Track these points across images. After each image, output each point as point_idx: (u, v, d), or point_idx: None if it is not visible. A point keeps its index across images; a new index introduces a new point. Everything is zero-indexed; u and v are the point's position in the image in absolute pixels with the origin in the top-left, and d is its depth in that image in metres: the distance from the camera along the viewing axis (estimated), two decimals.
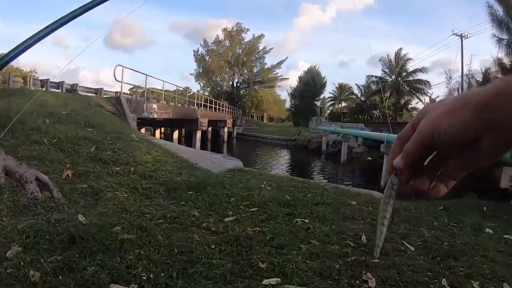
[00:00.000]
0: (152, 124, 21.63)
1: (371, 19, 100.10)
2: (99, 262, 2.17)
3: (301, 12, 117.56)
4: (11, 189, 3.36)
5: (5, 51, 1.25)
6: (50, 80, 12.64)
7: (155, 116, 14.37)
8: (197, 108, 23.42)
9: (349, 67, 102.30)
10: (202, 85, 50.38)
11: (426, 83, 37.10)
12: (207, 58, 48.42)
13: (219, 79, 50.03)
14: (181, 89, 26.41)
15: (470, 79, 29.92)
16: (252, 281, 2.17)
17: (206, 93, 44.79)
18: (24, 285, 1.89)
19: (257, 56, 48.76)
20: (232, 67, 48.60)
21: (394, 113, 39.28)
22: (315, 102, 45.31)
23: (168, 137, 22.86)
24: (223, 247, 2.59)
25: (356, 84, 46.70)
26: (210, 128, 27.02)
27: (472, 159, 0.39)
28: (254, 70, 49.36)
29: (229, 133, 33.01)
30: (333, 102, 51.20)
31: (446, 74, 31.51)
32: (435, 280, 2.47)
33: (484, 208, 5.26)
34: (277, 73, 50.57)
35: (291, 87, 49.22)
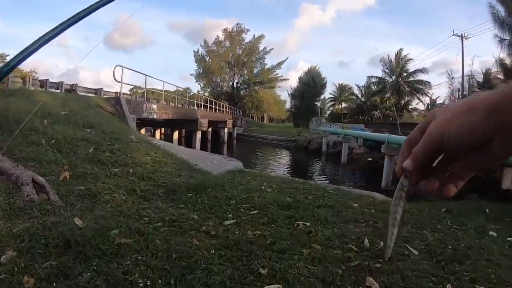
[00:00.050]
0: (152, 124, 21.61)
1: (371, 19, 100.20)
2: (94, 267, 2.10)
3: (301, 12, 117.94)
4: (7, 191, 3.31)
5: (5, 51, 1.20)
6: (52, 81, 12.63)
7: (155, 116, 14.32)
8: (197, 108, 23.39)
9: (349, 67, 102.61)
10: (202, 85, 50.51)
11: (426, 83, 37.11)
12: (207, 58, 48.44)
13: (219, 80, 50.04)
14: (181, 89, 26.41)
15: (471, 79, 29.90)
16: None
17: (206, 94, 44.79)
18: None
19: (257, 56, 48.82)
20: (232, 67, 48.60)
21: (394, 113, 39.23)
22: (315, 103, 45.23)
23: (168, 137, 22.83)
24: (223, 251, 2.52)
25: (357, 85, 46.74)
26: (210, 129, 26.98)
27: (480, 161, 0.41)
28: (254, 71, 49.39)
29: (229, 134, 32.97)
30: (333, 102, 51.15)
31: (448, 74, 31.43)
32: (439, 286, 2.41)
33: (487, 210, 5.21)
34: (277, 73, 50.68)
35: (291, 88, 49.26)
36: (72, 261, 2.14)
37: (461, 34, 28.18)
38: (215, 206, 3.73)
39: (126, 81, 21.73)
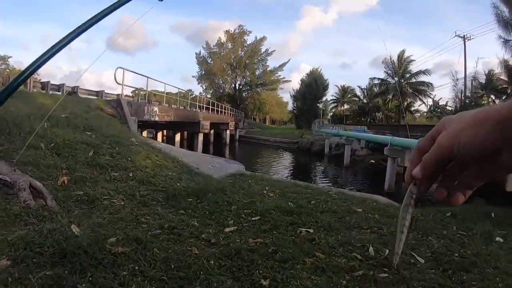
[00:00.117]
0: (154, 126, 21.57)
1: (373, 21, 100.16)
2: (90, 278, 2.03)
3: (303, 14, 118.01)
4: (4, 196, 3.25)
5: (5, 52, 1.15)
6: (54, 83, 12.60)
7: (157, 119, 14.27)
8: (199, 110, 23.35)
9: (351, 69, 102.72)
10: (204, 87, 50.58)
11: (429, 85, 36.94)
12: (209, 60, 48.49)
13: (221, 82, 50.09)
14: (183, 91, 26.37)
15: (474, 81, 29.74)
16: None
17: (209, 96, 44.79)
18: None
19: (259, 58, 48.85)
20: (235, 69, 48.63)
21: (396, 115, 39.10)
22: (318, 105, 45.09)
23: (170, 140, 22.83)
24: (223, 261, 2.44)
25: (359, 86, 46.65)
26: (212, 131, 26.98)
27: (489, 171, 0.42)
28: (256, 73, 49.42)
29: (232, 136, 32.87)
30: (335, 104, 51.06)
31: (453, 75, 31.13)
32: None
33: (492, 214, 5.13)
34: (280, 75, 50.72)
35: (293, 90, 49.08)
36: (67, 272, 2.07)
37: (464, 35, 28.07)
38: (216, 212, 3.65)
39: (129, 83, 21.77)
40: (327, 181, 15.17)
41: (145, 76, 14.36)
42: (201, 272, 2.22)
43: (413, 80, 37.53)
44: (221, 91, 49.97)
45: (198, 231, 3.02)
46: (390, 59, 37.16)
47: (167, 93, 17.99)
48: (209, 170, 6.42)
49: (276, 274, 2.32)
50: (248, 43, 48.25)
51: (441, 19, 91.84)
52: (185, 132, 25.32)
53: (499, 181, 9.02)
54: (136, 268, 2.19)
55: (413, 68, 37.69)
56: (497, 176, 0.42)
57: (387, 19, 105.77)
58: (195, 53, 49.66)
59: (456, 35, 28.65)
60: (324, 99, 48.12)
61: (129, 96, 25.23)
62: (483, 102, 30.10)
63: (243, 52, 48.21)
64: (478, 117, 0.38)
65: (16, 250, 2.29)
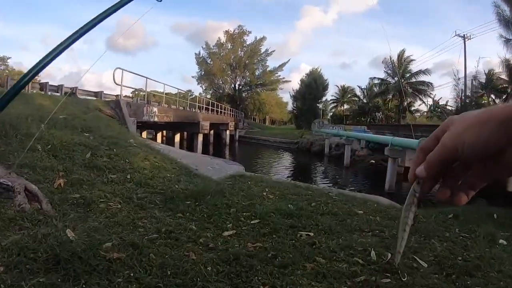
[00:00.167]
0: (154, 127, 21.51)
1: (373, 21, 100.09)
2: (84, 285, 1.97)
3: (303, 14, 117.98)
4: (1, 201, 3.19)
5: (5, 52, 1.11)
6: (52, 84, 12.54)
7: (156, 119, 14.21)
8: (198, 111, 23.28)
9: (351, 69, 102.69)
10: (204, 87, 50.46)
11: (429, 84, 36.86)
12: (209, 60, 48.37)
13: (221, 82, 49.97)
14: (183, 92, 26.30)
15: (474, 80, 29.68)
16: None
17: (208, 96, 44.67)
18: None
19: (259, 58, 48.69)
20: (234, 69, 48.51)
21: (396, 115, 39.03)
22: (318, 105, 45.03)
23: (169, 140, 22.75)
24: (221, 267, 2.37)
25: (359, 86, 46.55)
26: (212, 131, 26.88)
27: (493, 171, 0.42)
28: (256, 73, 49.26)
29: (231, 136, 32.78)
30: (335, 104, 50.96)
31: (455, 75, 30.98)
32: None
33: (495, 215, 5.08)
34: (279, 75, 50.53)
35: (293, 90, 49.04)
36: (60, 279, 2.01)
37: (464, 35, 28.02)
38: (214, 215, 3.58)
39: (129, 83, 21.73)
40: (327, 182, 15.10)
41: (144, 77, 14.32)
42: (198, 279, 2.16)
43: (413, 79, 37.45)
44: (220, 91, 49.86)
45: (196, 235, 2.96)
46: (390, 58, 37.15)
47: (166, 94, 17.94)
48: (208, 172, 6.36)
49: (275, 281, 2.26)
50: (247, 43, 48.14)
51: (441, 19, 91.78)
52: (185, 133, 25.24)
53: (501, 182, 8.99)
54: (132, 274, 2.13)
55: (413, 67, 37.67)
56: (501, 176, 0.42)
57: (387, 19, 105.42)
58: (195, 53, 49.59)
59: (456, 35, 28.61)
60: (324, 99, 48.13)
61: (128, 97, 25.20)
62: (483, 101, 30.05)
63: (242, 52, 48.09)
64: (481, 117, 0.38)
65: (10, 256, 2.24)
